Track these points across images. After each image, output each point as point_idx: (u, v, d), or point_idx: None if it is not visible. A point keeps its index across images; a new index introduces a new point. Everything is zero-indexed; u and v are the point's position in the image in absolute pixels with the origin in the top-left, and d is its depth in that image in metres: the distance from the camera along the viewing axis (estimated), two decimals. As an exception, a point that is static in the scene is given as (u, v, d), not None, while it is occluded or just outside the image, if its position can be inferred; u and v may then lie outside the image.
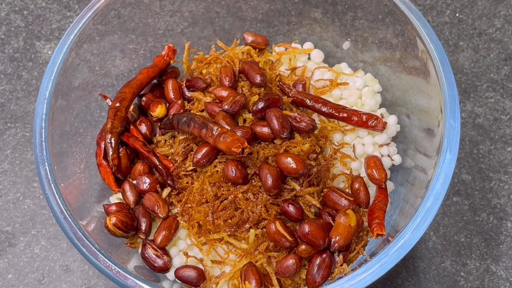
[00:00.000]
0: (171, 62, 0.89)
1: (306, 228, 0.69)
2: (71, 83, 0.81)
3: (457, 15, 1.07)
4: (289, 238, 0.72)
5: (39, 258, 0.91)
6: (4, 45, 1.06)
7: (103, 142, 0.80)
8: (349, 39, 0.92)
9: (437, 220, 0.92)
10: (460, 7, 1.07)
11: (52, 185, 0.72)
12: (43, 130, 0.75)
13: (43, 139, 0.74)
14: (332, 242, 0.70)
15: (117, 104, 0.81)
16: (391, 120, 0.84)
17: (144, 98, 0.87)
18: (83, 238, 0.70)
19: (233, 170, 0.73)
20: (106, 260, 0.69)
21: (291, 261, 0.71)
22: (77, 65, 0.81)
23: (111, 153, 0.79)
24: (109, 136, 0.79)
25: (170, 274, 0.77)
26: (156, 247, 0.76)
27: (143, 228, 0.77)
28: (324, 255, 0.71)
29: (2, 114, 1.01)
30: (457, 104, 0.72)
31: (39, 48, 1.06)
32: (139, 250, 0.78)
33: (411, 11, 0.78)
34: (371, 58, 0.90)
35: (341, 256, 0.72)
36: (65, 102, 0.80)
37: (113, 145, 0.79)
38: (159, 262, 0.76)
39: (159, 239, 0.75)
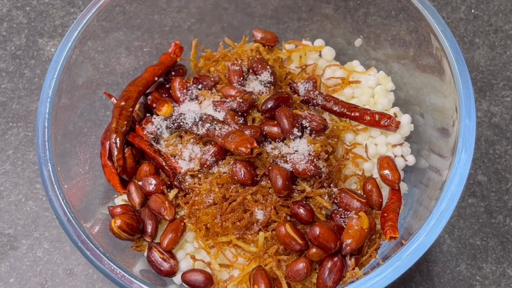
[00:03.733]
0: (178, 59, 0.89)
1: (317, 230, 0.69)
2: (74, 81, 0.81)
3: (472, 11, 1.07)
4: (300, 241, 0.71)
5: (42, 261, 0.91)
6: (6, 42, 1.07)
7: (108, 142, 0.80)
8: (361, 36, 0.92)
9: (452, 222, 0.92)
10: (475, 3, 1.08)
11: (55, 186, 0.72)
12: (46, 129, 0.75)
13: (46, 139, 0.74)
14: (343, 245, 0.70)
15: (122, 103, 0.81)
16: (405, 120, 0.84)
17: (150, 97, 0.87)
18: (87, 241, 0.70)
19: (242, 171, 0.74)
20: (111, 263, 0.68)
21: (301, 265, 0.71)
22: (81, 63, 0.82)
23: (116, 153, 0.79)
24: (114, 136, 0.79)
25: (177, 278, 0.77)
26: (162, 250, 0.76)
27: (149, 231, 0.76)
28: (336, 259, 0.70)
29: (4, 113, 1.01)
30: (473, 103, 0.72)
31: (42, 45, 1.06)
32: (145, 254, 0.79)
33: (425, 7, 0.78)
34: (384, 56, 0.90)
35: (353, 260, 0.72)
36: (69, 101, 0.80)
37: (118, 145, 0.79)
38: (166, 265, 0.75)
39: (165, 242, 0.75)
